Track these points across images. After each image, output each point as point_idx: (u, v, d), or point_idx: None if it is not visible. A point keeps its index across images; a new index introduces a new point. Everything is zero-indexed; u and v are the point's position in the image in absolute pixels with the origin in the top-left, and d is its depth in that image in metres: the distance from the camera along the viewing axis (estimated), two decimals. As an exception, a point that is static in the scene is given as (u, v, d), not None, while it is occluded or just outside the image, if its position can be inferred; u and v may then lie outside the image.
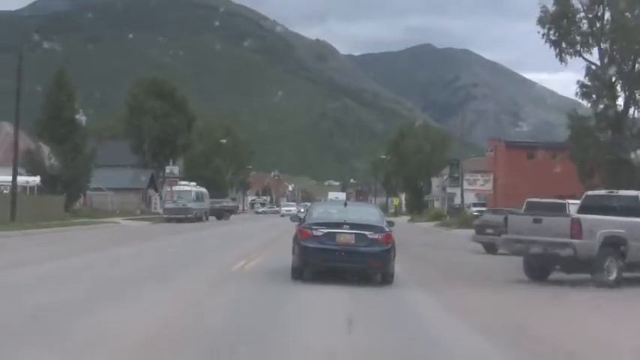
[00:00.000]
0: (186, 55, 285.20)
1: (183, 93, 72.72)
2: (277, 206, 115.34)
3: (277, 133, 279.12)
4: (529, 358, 8.47)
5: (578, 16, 40.07)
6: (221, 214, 61.71)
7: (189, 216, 50.85)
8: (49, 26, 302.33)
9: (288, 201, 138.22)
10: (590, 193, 17.27)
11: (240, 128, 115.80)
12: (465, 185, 57.36)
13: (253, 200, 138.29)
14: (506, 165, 60.36)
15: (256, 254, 21.41)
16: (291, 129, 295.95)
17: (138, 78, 72.21)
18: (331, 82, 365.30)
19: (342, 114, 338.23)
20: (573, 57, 40.03)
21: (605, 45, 39.30)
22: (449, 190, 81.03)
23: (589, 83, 39.02)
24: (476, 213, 55.91)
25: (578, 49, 39.90)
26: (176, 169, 68.07)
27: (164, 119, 65.95)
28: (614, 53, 38.53)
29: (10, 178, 36.47)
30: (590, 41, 39.76)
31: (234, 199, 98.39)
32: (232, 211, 71.07)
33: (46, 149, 46.81)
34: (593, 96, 38.98)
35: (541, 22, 40.33)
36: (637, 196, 16.23)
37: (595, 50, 39.62)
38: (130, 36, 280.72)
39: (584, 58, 39.63)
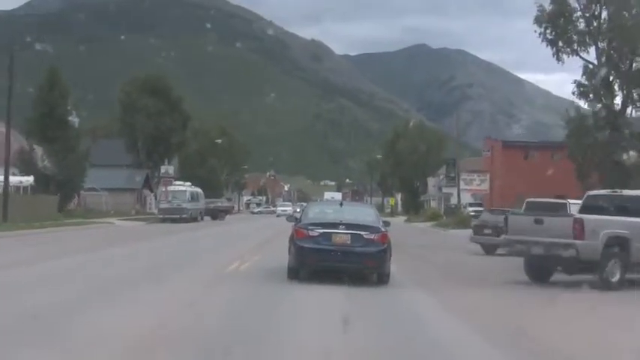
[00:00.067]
0: (179, 56, 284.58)
1: (178, 93, 72.29)
2: (273, 206, 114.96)
3: (273, 134, 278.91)
4: (529, 359, 8.40)
5: (575, 15, 39.77)
6: (216, 214, 61.40)
7: (184, 216, 50.54)
8: (43, 26, 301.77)
9: (284, 201, 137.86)
10: (591, 192, 16.93)
11: (236, 129, 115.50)
12: (462, 185, 57.13)
13: (249, 200, 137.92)
14: (502, 165, 60.17)
15: (252, 255, 21.24)
16: (286, 129, 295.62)
17: (131, 76, 71.76)
18: (326, 82, 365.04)
19: (338, 114, 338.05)
20: (570, 56, 39.74)
21: (602, 44, 39.05)
22: (445, 190, 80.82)
23: (586, 82, 38.76)
24: (472, 213, 55.78)
25: (575, 48, 39.61)
26: (171, 169, 67.71)
27: (158, 117, 65.56)
28: (612, 52, 38.30)
29: (2, 178, 36.08)
30: (587, 40, 39.49)
31: (229, 199, 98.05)
32: (227, 211, 70.72)
33: (39, 150, 46.39)
34: (591, 95, 38.72)
35: (538, 21, 40.05)
36: None
37: (592, 49, 39.37)
38: (123, 37, 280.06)
39: (581, 57, 39.39)
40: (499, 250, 24.89)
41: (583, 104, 39.68)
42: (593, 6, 39.09)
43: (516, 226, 15.72)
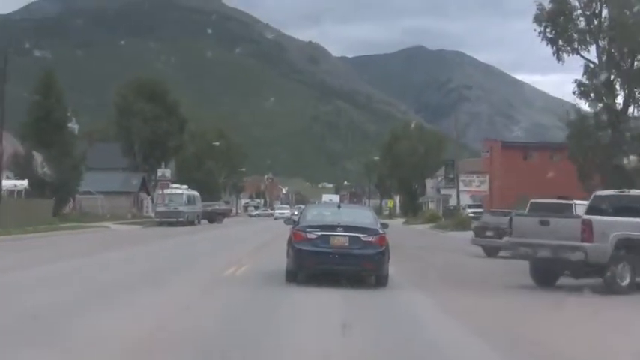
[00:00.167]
0: (178, 60, 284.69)
1: (176, 98, 71.86)
2: (271, 209, 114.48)
3: (271, 136, 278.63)
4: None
5: (575, 13, 39.29)
6: (213, 217, 60.82)
7: (181, 220, 50.11)
8: (40, 30, 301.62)
9: (281, 204, 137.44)
10: (598, 193, 16.35)
11: (234, 131, 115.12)
12: (461, 186, 56.67)
13: (247, 203, 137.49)
14: (502, 166, 59.75)
15: (249, 258, 21.06)
16: (284, 132, 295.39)
17: (127, 79, 71.27)
18: (324, 84, 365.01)
19: (335, 116, 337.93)
20: (570, 55, 39.27)
21: (603, 43, 38.59)
22: (444, 191, 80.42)
23: (587, 82, 38.29)
24: (471, 215, 55.39)
25: (576, 47, 39.13)
26: (168, 172, 67.24)
27: (154, 121, 65.11)
28: (613, 51, 37.85)
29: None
30: (588, 39, 39.04)
31: (227, 203, 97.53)
32: (225, 214, 70.11)
33: (38, 156, 45.80)
34: (592, 95, 38.24)
35: (537, 19, 39.61)
36: None
37: (593, 48, 38.91)
38: (122, 42, 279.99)
39: (581, 56, 38.90)
40: (501, 253, 24.50)
41: (584, 104, 39.20)
42: (594, 4, 38.62)
43: (521, 227, 15.18)
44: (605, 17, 38.64)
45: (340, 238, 14.07)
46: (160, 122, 65.36)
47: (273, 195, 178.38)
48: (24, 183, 44.03)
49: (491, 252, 25.49)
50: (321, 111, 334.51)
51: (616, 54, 37.98)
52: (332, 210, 16.24)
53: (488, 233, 25.73)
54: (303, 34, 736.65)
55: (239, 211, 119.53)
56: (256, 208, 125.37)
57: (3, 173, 40.65)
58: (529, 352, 8.64)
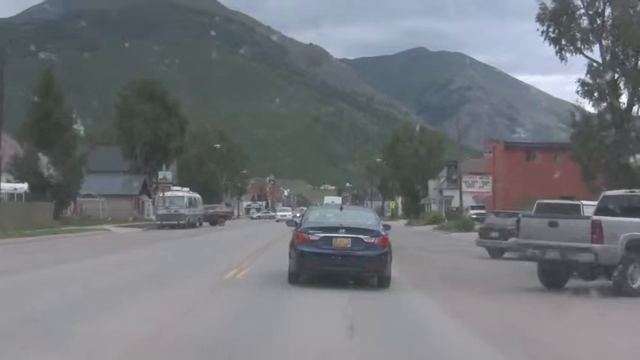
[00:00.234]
0: (181, 63, 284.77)
1: (176, 98, 71.50)
2: (273, 211, 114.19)
3: (273, 138, 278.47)
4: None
5: (578, 12, 39.03)
6: (215, 219, 60.49)
7: (182, 222, 49.80)
8: (41, 34, 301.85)
9: (283, 206, 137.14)
10: (608, 193, 15.98)
11: (236, 133, 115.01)
12: (464, 187, 56.19)
13: (249, 205, 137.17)
14: (504, 166, 59.34)
15: (251, 260, 20.89)
16: (286, 133, 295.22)
17: (129, 80, 70.92)
18: (325, 86, 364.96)
19: (337, 118, 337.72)
20: (574, 54, 39.00)
21: (606, 42, 38.27)
22: (446, 193, 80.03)
23: (590, 81, 37.97)
24: (474, 216, 55.02)
25: (579, 46, 38.87)
26: (169, 175, 66.92)
27: (155, 123, 64.80)
28: (617, 50, 37.51)
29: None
30: (591, 38, 38.75)
31: (228, 205, 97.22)
32: (227, 216, 69.79)
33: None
34: (595, 94, 37.93)
35: (540, 19, 39.36)
36: None
37: (596, 47, 38.59)
38: (127, 45, 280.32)
39: (585, 55, 38.61)
40: (506, 254, 24.18)
41: (587, 104, 38.88)
42: (597, 3, 38.32)
43: (528, 228, 14.82)
44: (608, 16, 38.35)
45: (342, 240, 14.08)
46: (160, 123, 65.05)
47: (275, 197, 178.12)
48: (24, 186, 43.68)
49: (496, 253, 25.15)
50: (323, 112, 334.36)
51: (620, 53, 37.65)
52: (334, 212, 16.23)
53: (493, 234, 25.39)
54: (302, 36, 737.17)
55: (241, 214, 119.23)
56: (258, 210, 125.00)
57: (3, 176, 40.37)
58: (535, 355, 8.51)
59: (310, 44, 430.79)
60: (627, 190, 15.67)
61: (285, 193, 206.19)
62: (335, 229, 14.28)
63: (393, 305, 12.48)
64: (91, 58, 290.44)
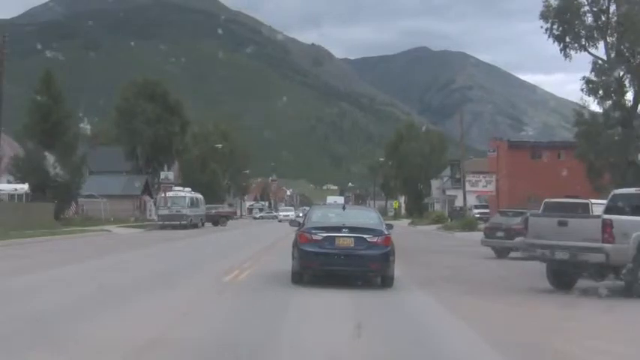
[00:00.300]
0: (185, 63, 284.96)
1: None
2: (275, 211, 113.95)
3: (275, 138, 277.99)
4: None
5: (582, 9, 38.77)
6: (217, 220, 60.20)
7: (184, 222, 49.47)
8: (47, 33, 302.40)
9: (286, 206, 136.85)
10: (618, 191, 15.58)
11: (240, 133, 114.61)
12: (467, 187, 55.84)
13: (251, 205, 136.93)
14: (508, 165, 58.94)
15: (253, 260, 20.68)
16: (288, 134, 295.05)
17: (129, 80, 70.55)
18: (327, 86, 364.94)
19: (339, 118, 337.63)
20: (578, 52, 38.71)
21: (611, 39, 37.94)
22: (449, 192, 79.72)
23: (595, 79, 37.62)
24: (478, 215, 54.68)
25: (583, 43, 38.58)
26: (171, 175, 66.55)
27: (157, 123, 64.49)
28: (622, 47, 37.16)
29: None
30: (596, 35, 38.46)
31: (231, 205, 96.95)
32: (229, 216, 69.48)
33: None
34: (600, 92, 37.58)
35: (544, 16, 39.08)
36: None
37: (601, 45, 38.27)
38: (132, 44, 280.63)
39: (589, 52, 38.32)
40: (512, 254, 23.86)
41: (592, 102, 38.54)
42: (602, 0, 38.01)
43: (537, 228, 14.45)
44: (613, 13, 38.05)
45: (345, 239, 14.09)
46: (162, 123, 64.74)
47: (277, 197, 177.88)
48: (24, 187, 43.38)
49: (501, 253, 24.83)
50: (325, 112, 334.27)
51: (625, 50, 37.31)
52: (337, 211, 16.18)
53: (499, 234, 25.06)
54: (304, 36, 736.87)
55: (244, 214, 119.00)
56: (261, 210, 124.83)
57: (3, 177, 40.08)
58: (540, 358, 8.38)
59: (312, 44, 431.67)
60: (638, 189, 15.28)
61: (288, 193, 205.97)
62: (338, 229, 14.26)
63: (398, 305, 12.39)
64: (96, 58, 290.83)
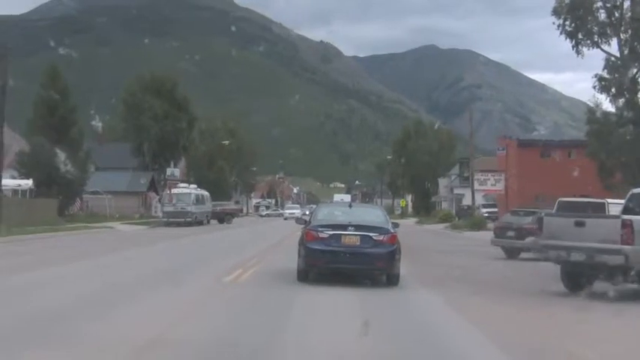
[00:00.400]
0: (196, 59, 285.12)
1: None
2: (282, 209, 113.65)
3: (283, 135, 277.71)
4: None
5: (595, 5, 38.18)
6: (223, 217, 59.72)
7: (189, 219, 49.05)
8: (60, 29, 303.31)
9: (293, 203, 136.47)
10: (636, 190, 14.99)
11: (248, 131, 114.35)
12: (476, 185, 55.17)
13: (258, 203, 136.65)
14: (518, 164, 58.24)
15: (258, 258, 20.43)
16: (296, 131, 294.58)
17: (136, 76, 70.08)
18: (336, 83, 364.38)
19: (347, 115, 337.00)
20: (590, 49, 38.12)
21: (624, 35, 37.28)
22: (457, 191, 79.06)
23: (608, 76, 36.97)
24: (486, 214, 54.05)
25: (596, 40, 37.99)
26: (177, 172, 66.24)
27: (164, 119, 64.06)
28: (636, 44, 36.49)
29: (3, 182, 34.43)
30: (609, 32, 37.83)
31: (237, 202, 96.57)
32: (234, 214, 69.08)
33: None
34: (613, 90, 36.93)
35: (556, 12, 38.54)
36: None
37: (614, 41, 37.64)
38: (146, 41, 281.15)
39: (602, 49, 37.74)
40: (523, 254, 23.30)
41: (605, 99, 37.89)
42: (615, -4, 37.41)
43: (552, 228, 13.83)
44: (627, 9, 37.45)
45: (351, 237, 14.09)
46: (169, 119, 64.30)
47: (284, 194, 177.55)
48: (28, 182, 42.99)
49: (512, 253, 24.24)
50: (334, 110, 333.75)
51: (639, 47, 36.66)
52: (343, 209, 16.07)
53: (510, 234, 24.45)
54: (312, 33, 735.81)
55: (250, 211, 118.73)
56: (267, 207, 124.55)
57: (7, 172, 39.64)
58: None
59: (321, 42, 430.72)
60: (658, 188, 14.66)
61: (295, 191, 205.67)
62: (344, 227, 14.23)
63: (405, 304, 12.35)
64: (109, 54, 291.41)
